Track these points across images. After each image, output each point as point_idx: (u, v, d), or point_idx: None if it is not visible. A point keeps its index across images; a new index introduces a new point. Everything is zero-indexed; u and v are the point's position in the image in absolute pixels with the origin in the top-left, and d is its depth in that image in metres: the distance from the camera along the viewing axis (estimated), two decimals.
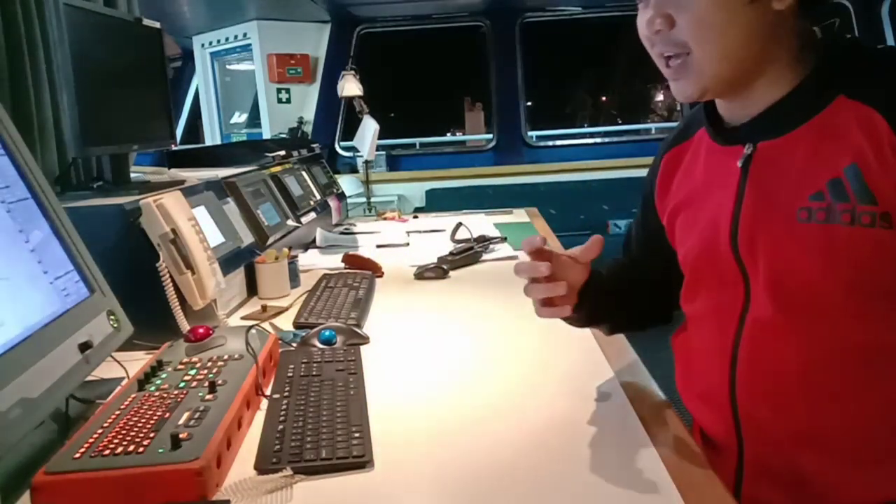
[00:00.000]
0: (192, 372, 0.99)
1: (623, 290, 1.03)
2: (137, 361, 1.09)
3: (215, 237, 1.53)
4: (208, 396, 0.90)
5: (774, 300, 0.80)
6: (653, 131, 9.07)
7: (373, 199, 4.05)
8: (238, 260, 1.62)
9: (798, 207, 0.77)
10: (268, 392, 1.02)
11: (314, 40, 4.52)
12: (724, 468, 0.82)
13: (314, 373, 1.06)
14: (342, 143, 4.62)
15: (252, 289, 1.67)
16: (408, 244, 2.27)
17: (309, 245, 2.28)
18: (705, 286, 0.90)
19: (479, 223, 2.36)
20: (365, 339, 1.30)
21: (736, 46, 0.77)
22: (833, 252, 0.75)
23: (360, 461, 0.82)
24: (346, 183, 3.76)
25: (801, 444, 0.81)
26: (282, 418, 0.92)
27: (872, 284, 0.75)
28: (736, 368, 0.84)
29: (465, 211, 2.81)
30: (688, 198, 0.93)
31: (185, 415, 0.84)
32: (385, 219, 2.80)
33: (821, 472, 0.80)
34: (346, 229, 2.57)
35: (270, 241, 1.85)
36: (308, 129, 4.53)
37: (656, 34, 0.78)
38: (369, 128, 3.63)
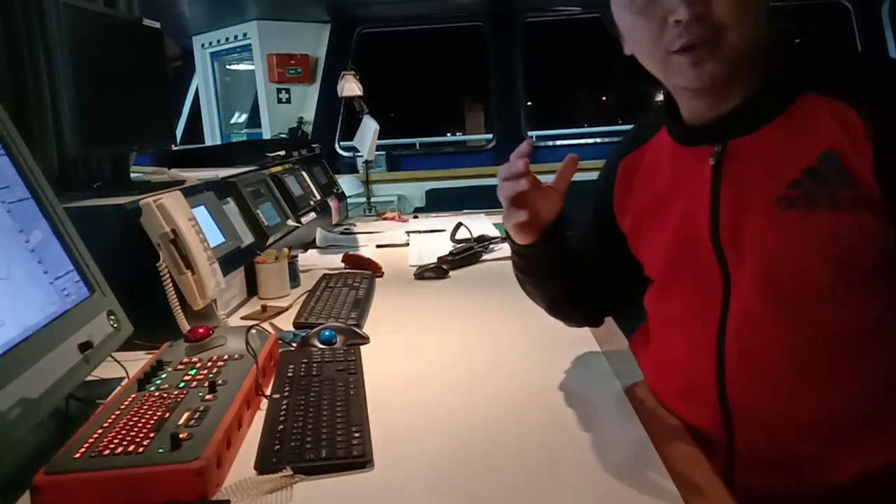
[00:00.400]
0: (192, 372, 0.99)
1: (576, 268, 1.04)
2: (137, 361, 1.09)
3: (215, 237, 1.54)
4: (208, 396, 0.90)
5: (762, 289, 0.81)
6: None
7: (373, 199, 4.04)
8: (238, 260, 1.62)
9: (777, 197, 0.79)
10: (268, 392, 1.02)
11: (314, 40, 4.52)
12: (715, 461, 0.83)
13: (314, 373, 1.06)
14: (342, 143, 4.62)
15: (252, 289, 1.67)
16: (408, 244, 2.27)
17: (309, 245, 2.28)
18: (682, 285, 0.91)
19: (479, 223, 2.36)
20: (365, 339, 1.30)
21: (759, 31, 0.80)
22: (817, 236, 0.77)
23: (360, 461, 0.82)
24: (346, 183, 3.76)
25: (791, 426, 0.82)
26: (282, 418, 0.92)
27: (854, 266, 0.77)
28: (724, 360, 0.85)
29: (465, 211, 2.81)
30: (654, 201, 0.95)
31: (185, 415, 0.84)
32: (385, 219, 2.80)
33: (809, 451, 0.82)
34: (346, 229, 2.57)
35: (270, 241, 1.85)
36: (308, 129, 4.53)
37: (698, 18, 0.76)
38: (369, 128, 3.63)
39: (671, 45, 0.79)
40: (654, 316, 1.00)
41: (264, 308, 1.53)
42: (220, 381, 0.95)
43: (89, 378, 0.95)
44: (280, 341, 1.24)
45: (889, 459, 0.80)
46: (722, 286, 0.85)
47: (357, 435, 0.87)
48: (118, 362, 1.10)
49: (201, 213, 1.52)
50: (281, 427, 0.90)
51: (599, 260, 1.07)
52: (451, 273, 1.81)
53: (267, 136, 4.46)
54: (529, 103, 4.99)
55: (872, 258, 0.77)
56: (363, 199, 4.03)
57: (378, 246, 2.25)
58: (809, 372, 0.81)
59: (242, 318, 1.51)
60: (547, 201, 0.94)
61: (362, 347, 1.24)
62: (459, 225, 2.23)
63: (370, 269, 1.83)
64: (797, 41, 0.85)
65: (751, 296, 0.82)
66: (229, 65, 5.33)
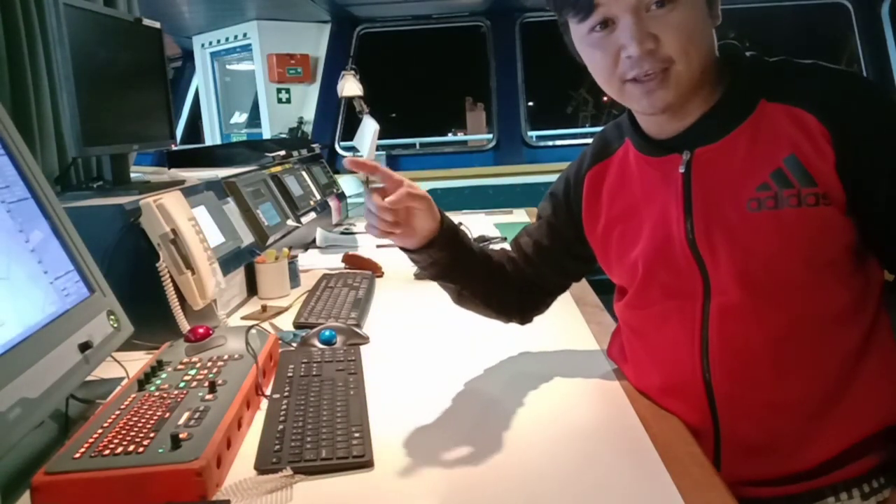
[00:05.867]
0: (192, 372, 0.99)
1: (492, 269, 1.10)
2: (137, 361, 1.09)
3: (215, 237, 1.53)
4: (208, 396, 0.90)
5: (739, 285, 0.86)
6: None
7: None
8: (238, 260, 1.62)
9: (748, 199, 0.85)
10: (268, 392, 1.02)
11: (314, 40, 4.52)
12: (702, 449, 0.86)
13: (314, 373, 1.06)
14: (342, 143, 4.62)
15: (252, 289, 1.67)
16: None
17: (309, 245, 2.28)
18: (661, 288, 0.94)
19: (479, 223, 2.36)
20: (365, 339, 1.30)
21: (706, 56, 0.85)
22: (787, 233, 0.83)
23: (360, 461, 0.82)
24: (346, 183, 3.76)
25: (772, 411, 0.88)
26: (282, 418, 0.92)
27: (822, 256, 0.84)
28: (708, 355, 0.90)
29: (465, 211, 2.81)
30: (626, 211, 0.98)
31: (185, 415, 0.85)
32: None
33: (791, 432, 0.89)
34: (346, 229, 2.57)
35: (270, 241, 1.85)
36: (308, 129, 4.53)
37: (648, 54, 0.81)
38: (369, 128, 3.62)
39: (625, 75, 0.84)
40: (631, 322, 1.03)
41: (264, 308, 1.53)
42: (220, 381, 0.95)
43: (89, 378, 0.95)
44: (280, 341, 1.24)
45: (863, 434, 0.88)
46: (702, 286, 0.89)
47: (357, 435, 0.87)
48: (118, 362, 1.10)
49: (201, 213, 1.52)
50: (281, 427, 0.89)
51: (547, 257, 1.11)
52: None
53: (267, 136, 4.46)
54: (531, 103, 4.98)
55: (838, 248, 0.85)
56: (363, 199, 4.03)
57: (378, 246, 2.25)
58: (789, 357, 0.87)
59: (242, 318, 1.51)
60: (420, 222, 0.96)
61: (362, 347, 1.24)
62: (459, 225, 2.22)
63: (370, 269, 1.83)
64: (749, 53, 0.90)
65: (729, 292, 0.87)
66: (229, 65, 5.33)
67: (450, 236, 1.01)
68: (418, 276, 1.79)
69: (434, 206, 0.99)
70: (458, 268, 1.05)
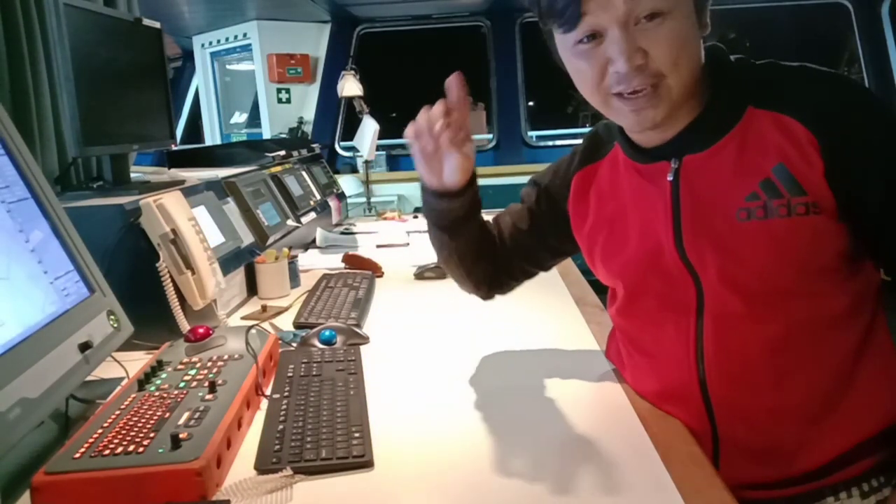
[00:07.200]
0: (192, 372, 0.99)
1: (487, 239, 1.10)
2: (137, 361, 1.09)
3: (215, 237, 1.54)
4: (208, 396, 0.90)
5: (734, 293, 0.85)
6: None
7: (373, 199, 4.05)
8: (238, 260, 1.62)
9: (737, 209, 0.83)
10: (268, 392, 1.02)
11: (314, 40, 4.52)
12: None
13: (314, 373, 1.06)
14: (342, 143, 4.62)
15: (252, 289, 1.67)
16: (408, 244, 2.28)
17: (309, 245, 2.28)
18: (653, 295, 0.93)
19: None
20: (365, 339, 1.30)
21: (697, 68, 0.83)
22: (777, 243, 0.82)
23: (360, 461, 0.82)
24: (346, 183, 3.76)
25: (770, 415, 0.88)
26: (282, 418, 0.92)
27: (816, 263, 0.83)
28: (703, 361, 0.89)
29: None
30: (613, 215, 0.98)
31: (185, 415, 0.85)
32: (385, 219, 2.80)
33: (788, 437, 0.88)
34: (346, 229, 2.57)
35: (270, 241, 1.85)
36: (308, 129, 4.53)
37: (637, 70, 0.79)
38: (369, 128, 3.63)
39: (611, 88, 0.82)
40: (626, 329, 1.03)
41: (264, 308, 1.53)
42: (220, 381, 0.95)
43: (89, 378, 0.95)
44: (280, 341, 1.24)
45: (862, 436, 0.87)
46: (695, 293, 0.88)
47: (357, 435, 0.87)
48: (118, 362, 1.10)
49: (201, 213, 1.52)
50: (281, 427, 0.90)
51: (521, 243, 1.11)
52: None
53: (267, 136, 4.47)
54: (531, 103, 4.99)
55: (832, 255, 0.83)
56: (363, 199, 4.03)
57: (378, 246, 2.25)
58: (785, 363, 0.86)
59: (242, 318, 1.51)
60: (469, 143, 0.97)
61: (362, 347, 1.24)
62: None
63: (370, 269, 1.83)
64: (735, 57, 0.88)
65: (723, 300, 0.86)
66: (229, 65, 5.34)
67: (475, 195, 1.03)
68: (418, 276, 1.79)
69: (473, 168, 1.00)
70: (468, 225, 1.05)
